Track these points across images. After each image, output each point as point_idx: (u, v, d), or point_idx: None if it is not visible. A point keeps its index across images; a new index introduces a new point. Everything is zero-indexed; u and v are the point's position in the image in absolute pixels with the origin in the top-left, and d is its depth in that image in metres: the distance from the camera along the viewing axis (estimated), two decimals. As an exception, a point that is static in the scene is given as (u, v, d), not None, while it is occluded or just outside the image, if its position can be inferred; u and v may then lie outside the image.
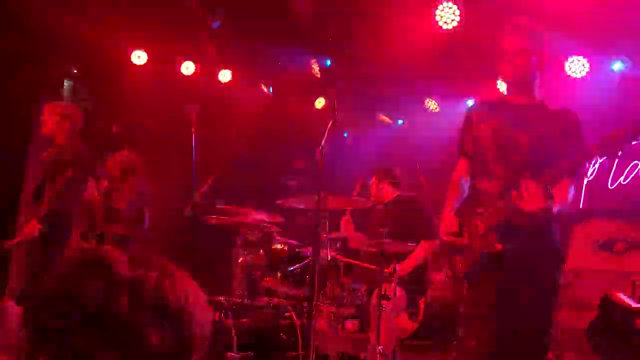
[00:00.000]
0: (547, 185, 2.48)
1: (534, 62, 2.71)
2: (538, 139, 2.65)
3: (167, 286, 0.83)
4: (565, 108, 2.77)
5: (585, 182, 5.66)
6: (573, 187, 2.66)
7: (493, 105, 2.90)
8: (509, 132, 2.71)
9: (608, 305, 4.14)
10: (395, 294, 3.62)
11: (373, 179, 4.50)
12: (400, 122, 7.51)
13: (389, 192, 4.50)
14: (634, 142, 2.33)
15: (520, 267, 2.65)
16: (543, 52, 2.77)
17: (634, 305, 4.10)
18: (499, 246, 2.62)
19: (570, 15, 4.65)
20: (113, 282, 0.80)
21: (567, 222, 5.37)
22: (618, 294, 4.28)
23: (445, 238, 2.81)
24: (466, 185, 2.93)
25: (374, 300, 3.66)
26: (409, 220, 4.28)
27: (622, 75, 5.36)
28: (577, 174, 2.71)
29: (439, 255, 3.14)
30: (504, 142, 2.70)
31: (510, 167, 2.67)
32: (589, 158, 2.60)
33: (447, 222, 2.81)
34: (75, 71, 6.52)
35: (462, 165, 2.98)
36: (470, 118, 2.93)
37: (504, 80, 2.87)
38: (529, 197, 2.47)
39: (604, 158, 5.48)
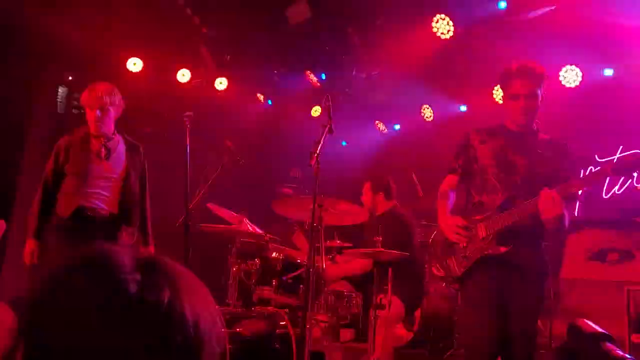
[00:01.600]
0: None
1: (539, 102, 2.95)
2: (534, 163, 2.92)
3: (183, 297, 0.74)
4: (556, 137, 3.08)
5: (579, 192, 5.67)
6: (567, 213, 2.85)
7: (492, 131, 3.10)
8: (508, 155, 2.97)
9: (574, 331, 4.18)
10: (390, 303, 3.62)
11: (367, 189, 4.48)
12: (396, 127, 7.52)
13: (383, 204, 4.49)
14: None
15: (514, 268, 2.87)
16: (542, 90, 3.00)
17: (599, 330, 4.17)
18: (502, 249, 2.88)
19: (561, 26, 4.71)
20: (114, 288, 0.70)
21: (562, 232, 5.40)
22: (582, 320, 4.38)
23: (456, 236, 2.97)
24: (452, 197, 3.17)
25: (370, 310, 3.65)
26: (401, 231, 4.28)
27: (613, 82, 5.42)
28: (572, 199, 2.92)
29: (432, 257, 3.20)
30: (503, 163, 2.96)
31: (509, 184, 2.92)
32: (599, 176, 2.92)
33: (452, 222, 3.00)
34: (70, 78, 6.51)
35: (450, 180, 3.20)
36: (467, 140, 3.13)
37: (514, 121, 3.01)
38: (546, 206, 2.70)
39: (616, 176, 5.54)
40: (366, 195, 4.47)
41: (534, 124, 3.04)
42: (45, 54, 5.77)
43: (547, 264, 3.04)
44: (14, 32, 5.37)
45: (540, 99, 2.97)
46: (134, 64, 6.24)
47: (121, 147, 3.86)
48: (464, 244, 2.98)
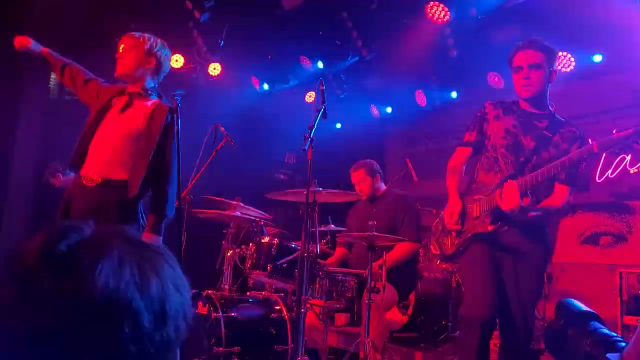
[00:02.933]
0: (531, 187, 2.72)
1: (547, 76, 2.85)
2: (540, 147, 2.85)
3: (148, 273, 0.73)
4: (570, 121, 2.94)
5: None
6: (569, 195, 2.85)
7: (508, 107, 3.01)
8: (518, 135, 2.89)
9: (562, 311, 4.24)
10: (384, 287, 3.63)
11: (362, 175, 4.46)
12: (388, 110, 7.50)
13: (379, 187, 4.50)
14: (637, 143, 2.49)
15: (507, 248, 2.85)
16: (554, 65, 2.91)
17: (586, 309, 4.24)
18: (490, 227, 2.85)
19: (553, 14, 4.71)
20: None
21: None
22: (569, 299, 4.45)
23: (449, 227, 3.01)
24: (462, 172, 3.12)
25: (364, 294, 3.67)
26: (398, 215, 4.29)
27: (604, 67, 5.44)
28: (576, 183, 2.85)
29: (433, 235, 3.26)
30: (513, 144, 2.88)
31: (515, 166, 2.87)
32: (588, 157, 2.69)
33: (449, 211, 3.01)
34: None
35: (462, 153, 3.13)
36: (484, 112, 3.06)
37: (520, 95, 2.94)
38: (506, 197, 2.72)
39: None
40: (365, 182, 4.44)
41: (550, 106, 2.94)
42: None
43: (547, 252, 2.97)
44: (6, 16, 5.30)
45: (547, 73, 2.86)
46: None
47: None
48: (459, 227, 2.99)
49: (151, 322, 0.71)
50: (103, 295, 0.67)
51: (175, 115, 3.09)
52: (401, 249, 4.18)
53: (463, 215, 3.01)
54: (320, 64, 6.86)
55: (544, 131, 2.86)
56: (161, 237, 3.12)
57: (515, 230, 2.87)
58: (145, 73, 3.16)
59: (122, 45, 3.17)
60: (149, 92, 3.18)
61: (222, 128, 4.53)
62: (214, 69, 6.73)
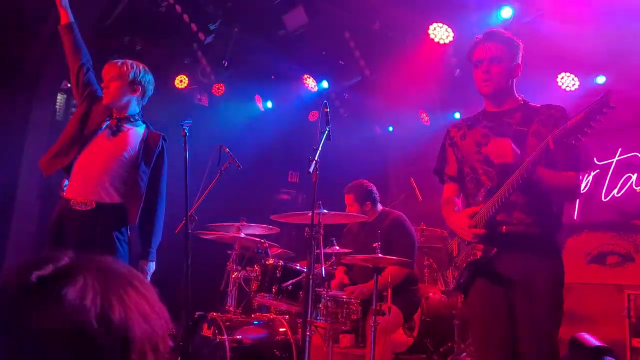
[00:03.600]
0: (537, 196, 2.41)
1: (508, 70, 2.59)
2: (521, 142, 2.47)
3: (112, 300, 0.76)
4: (548, 104, 2.60)
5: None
6: (580, 178, 2.51)
7: (471, 120, 2.76)
8: (490, 140, 2.55)
9: (576, 345, 4.21)
10: (389, 309, 3.61)
11: (351, 200, 4.45)
12: (390, 128, 7.52)
13: (373, 210, 4.47)
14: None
15: (511, 276, 2.44)
16: (518, 59, 2.63)
17: (599, 344, 4.20)
18: (478, 254, 2.49)
19: (559, 37, 4.74)
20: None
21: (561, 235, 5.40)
22: (583, 334, 4.39)
23: (472, 236, 2.50)
24: (458, 202, 2.79)
25: (369, 316, 3.65)
26: (395, 234, 4.25)
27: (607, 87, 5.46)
28: (582, 166, 2.51)
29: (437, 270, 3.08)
30: (488, 152, 2.54)
31: (499, 174, 2.51)
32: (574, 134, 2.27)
33: (462, 221, 2.54)
34: (69, 85, 6.51)
35: (450, 188, 2.83)
36: (450, 138, 2.81)
37: (481, 92, 2.66)
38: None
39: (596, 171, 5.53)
40: (353, 207, 4.42)
41: (520, 97, 2.64)
42: (44, 61, 5.78)
43: (561, 272, 2.52)
44: (13, 40, 5.37)
45: (510, 67, 2.58)
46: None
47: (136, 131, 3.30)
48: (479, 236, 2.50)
49: (112, 349, 0.74)
50: (65, 322, 0.72)
51: (165, 143, 3.31)
52: (389, 273, 3.95)
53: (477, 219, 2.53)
54: (325, 84, 6.91)
55: (516, 127, 2.53)
56: (155, 262, 3.20)
57: (516, 253, 2.45)
58: (131, 100, 3.28)
59: (107, 75, 3.25)
60: (136, 117, 3.30)
61: (227, 149, 4.54)
62: (218, 89, 6.79)
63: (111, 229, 3.06)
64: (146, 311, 0.80)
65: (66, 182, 3.09)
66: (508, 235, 2.47)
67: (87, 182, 3.07)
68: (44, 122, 6.01)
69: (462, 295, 2.76)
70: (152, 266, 3.25)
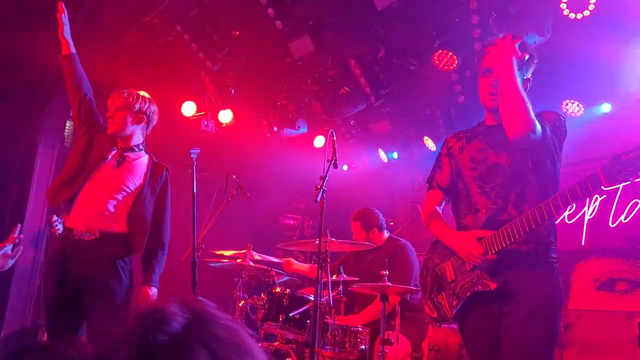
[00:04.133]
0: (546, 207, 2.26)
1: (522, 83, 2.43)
2: (520, 154, 2.39)
3: None
4: (543, 111, 2.49)
5: (586, 220, 5.66)
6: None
7: (471, 132, 2.64)
8: (489, 158, 2.46)
9: None
10: (397, 338, 3.58)
11: (358, 228, 4.45)
12: (394, 155, 7.52)
13: (380, 237, 4.47)
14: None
15: (512, 301, 2.32)
16: (528, 74, 2.53)
17: None
18: (492, 285, 2.33)
19: (561, 62, 4.78)
20: None
21: (568, 261, 5.36)
22: None
23: (482, 262, 2.36)
24: (441, 214, 2.69)
25: (376, 345, 3.61)
26: (395, 261, 4.24)
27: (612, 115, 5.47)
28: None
29: (423, 293, 2.76)
30: (486, 171, 2.46)
31: (495, 193, 2.42)
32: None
33: (465, 249, 2.40)
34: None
35: (434, 196, 2.70)
36: (448, 148, 2.70)
37: (484, 105, 2.57)
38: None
39: (603, 197, 5.52)
40: (360, 235, 4.43)
41: None
42: (52, 89, 5.86)
43: (558, 292, 2.38)
44: (21, 68, 5.46)
45: (521, 79, 2.41)
46: (149, 99, 6.30)
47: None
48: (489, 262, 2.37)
49: None
50: None
51: (169, 173, 3.35)
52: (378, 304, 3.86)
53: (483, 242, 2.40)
54: (328, 109, 6.94)
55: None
56: (157, 288, 3.21)
57: (518, 275, 2.35)
58: (136, 130, 3.32)
59: (112, 105, 3.29)
60: (140, 147, 3.34)
61: (234, 176, 4.57)
62: (225, 115, 6.84)
63: (115, 258, 3.07)
64: None
65: (55, 217, 3.10)
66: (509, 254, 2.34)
67: (91, 212, 3.09)
68: (53, 148, 6.07)
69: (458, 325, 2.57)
70: (155, 292, 3.24)
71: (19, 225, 2.94)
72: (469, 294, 2.40)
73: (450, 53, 5.03)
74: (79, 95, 3.37)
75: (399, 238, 4.61)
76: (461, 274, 2.44)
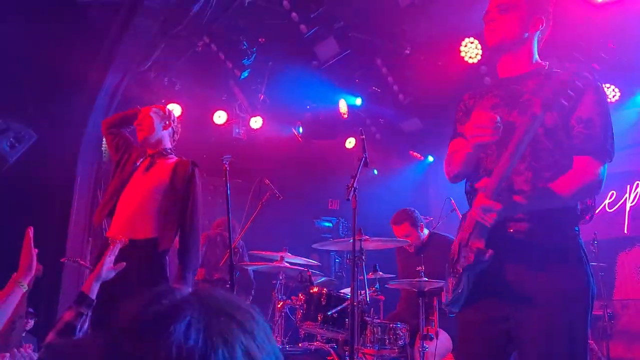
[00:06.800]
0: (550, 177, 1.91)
1: (524, 21, 2.08)
2: (536, 115, 1.92)
3: None
4: (577, 71, 2.01)
5: (628, 208, 5.51)
6: (599, 169, 1.92)
7: (486, 89, 2.27)
8: (503, 115, 2.00)
9: None
10: (437, 333, 3.56)
11: (406, 228, 4.43)
12: (430, 159, 7.47)
13: (424, 235, 4.47)
14: None
15: (515, 293, 1.92)
16: (541, 12, 2.11)
17: None
18: (470, 256, 1.94)
19: (600, 47, 4.67)
20: None
21: (611, 250, 5.22)
22: None
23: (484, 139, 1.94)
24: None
25: (417, 341, 3.61)
26: (442, 257, 4.21)
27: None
28: (602, 152, 1.93)
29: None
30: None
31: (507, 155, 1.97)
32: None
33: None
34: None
35: (457, 144, 2.23)
36: (465, 105, 2.29)
37: (489, 46, 2.15)
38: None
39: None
40: (412, 235, 4.39)
41: (541, 62, 2.11)
42: (91, 104, 6.05)
43: (582, 284, 1.90)
44: (62, 84, 5.65)
45: (525, 18, 2.06)
46: (172, 110, 6.46)
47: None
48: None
49: None
50: (169, 358, 0.72)
51: (196, 169, 3.40)
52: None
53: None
54: (357, 110, 6.97)
55: (528, 97, 1.99)
56: (190, 287, 3.24)
57: (522, 260, 1.92)
58: (165, 135, 3.49)
59: (139, 115, 3.50)
60: (168, 151, 3.48)
61: (267, 180, 4.64)
62: (255, 121, 6.94)
63: (146, 259, 3.16)
64: (250, 350, 0.76)
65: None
66: (512, 237, 1.95)
67: (124, 220, 3.23)
68: (92, 164, 6.26)
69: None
70: (187, 290, 3.28)
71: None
72: (460, 270, 2.00)
73: (475, 41, 4.98)
74: (114, 138, 3.56)
75: (440, 233, 4.60)
76: (461, 250, 2.03)
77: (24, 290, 1.92)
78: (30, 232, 2.05)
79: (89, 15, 5.07)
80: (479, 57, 5.16)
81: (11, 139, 4.96)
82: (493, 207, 1.89)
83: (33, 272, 1.96)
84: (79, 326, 2.05)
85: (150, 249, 3.18)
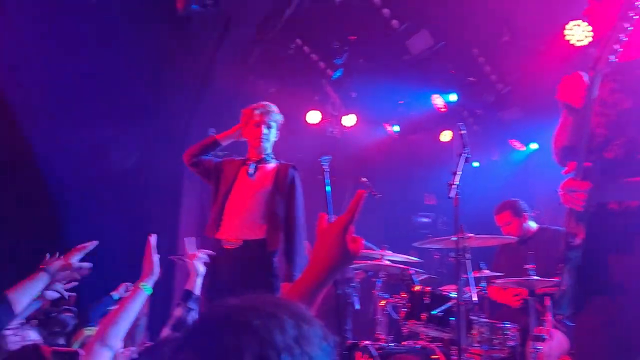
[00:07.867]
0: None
1: None
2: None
3: None
4: None
5: None
6: None
7: (615, 67, 2.06)
8: (614, 97, 2.02)
9: None
10: (550, 335, 3.38)
11: (508, 217, 4.25)
12: (534, 147, 7.10)
13: (529, 227, 4.26)
14: None
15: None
16: None
17: None
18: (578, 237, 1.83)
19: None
20: None
21: None
22: None
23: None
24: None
25: (528, 342, 3.45)
26: (555, 253, 3.99)
27: None
28: None
29: None
30: (608, 110, 2.05)
31: (617, 139, 2.01)
32: None
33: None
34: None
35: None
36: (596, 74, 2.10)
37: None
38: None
39: None
40: (513, 224, 4.22)
41: None
42: (190, 110, 6.38)
43: None
44: (167, 96, 6.01)
45: None
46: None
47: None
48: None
49: None
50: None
51: (296, 172, 3.54)
52: None
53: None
54: (453, 97, 6.76)
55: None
56: None
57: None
58: (272, 143, 3.62)
59: (266, 117, 3.54)
60: (271, 155, 3.60)
61: (364, 179, 4.64)
62: (349, 119, 6.97)
63: (257, 259, 3.32)
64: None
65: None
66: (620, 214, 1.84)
67: (234, 223, 3.39)
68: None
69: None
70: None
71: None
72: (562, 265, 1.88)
73: (584, 24, 4.65)
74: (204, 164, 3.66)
75: (551, 227, 4.36)
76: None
77: (148, 294, 2.06)
78: (152, 239, 2.20)
79: (191, 27, 5.34)
80: (589, 39, 4.81)
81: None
82: (579, 187, 1.76)
83: (156, 276, 2.11)
84: (189, 320, 2.21)
85: (260, 250, 3.33)
